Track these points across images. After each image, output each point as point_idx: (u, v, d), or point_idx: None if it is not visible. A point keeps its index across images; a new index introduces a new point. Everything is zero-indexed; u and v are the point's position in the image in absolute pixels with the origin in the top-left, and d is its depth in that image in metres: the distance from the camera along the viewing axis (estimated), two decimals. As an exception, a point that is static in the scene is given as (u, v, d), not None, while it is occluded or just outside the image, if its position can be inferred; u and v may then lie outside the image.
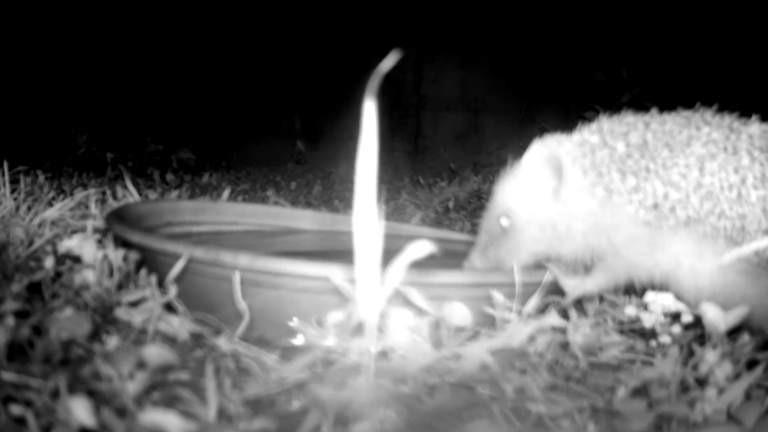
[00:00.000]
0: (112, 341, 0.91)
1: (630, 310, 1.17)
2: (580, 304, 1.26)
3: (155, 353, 0.83)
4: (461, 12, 4.19)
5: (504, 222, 1.22)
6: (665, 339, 1.10)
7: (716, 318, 0.98)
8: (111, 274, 1.22)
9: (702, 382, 0.94)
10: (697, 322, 1.08)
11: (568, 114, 4.08)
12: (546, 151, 1.19)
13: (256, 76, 4.33)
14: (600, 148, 1.16)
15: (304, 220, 1.80)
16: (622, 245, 1.15)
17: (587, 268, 1.22)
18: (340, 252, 1.33)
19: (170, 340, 1.05)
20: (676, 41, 3.84)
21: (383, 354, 0.99)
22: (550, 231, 1.19)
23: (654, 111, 1.21)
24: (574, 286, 1.20)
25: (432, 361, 0.97)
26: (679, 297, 1.14)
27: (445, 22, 4.24)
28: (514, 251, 1.22)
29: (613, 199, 1.13)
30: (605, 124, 1.20)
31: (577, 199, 1.16)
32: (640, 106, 4.02)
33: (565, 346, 1.08)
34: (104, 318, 1.11)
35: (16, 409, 0.71)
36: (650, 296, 1.15)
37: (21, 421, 0.71)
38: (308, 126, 4.42)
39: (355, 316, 0.94)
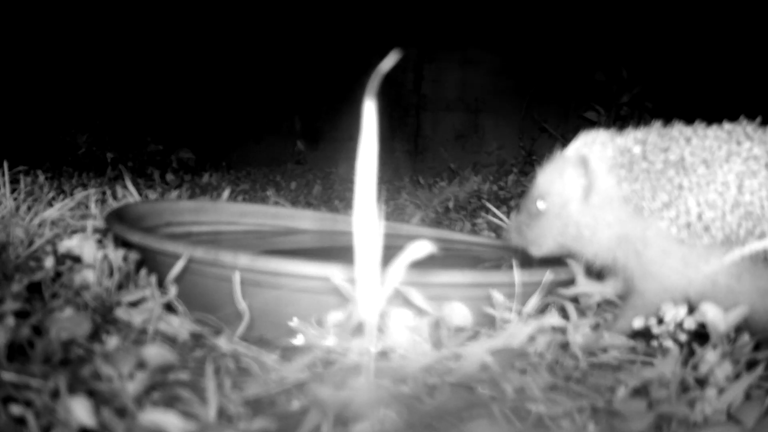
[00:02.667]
0: (112, 341, 0.91)
1: (638, 323, 1.13)
2: (579, 303, 1.26)
3: (155, 353, 0.83)
4: (461, 12, 4.19)
5: (540, 205, 1.21)
6: (667, 343, 1.10)
7: (716, 318, 0.98)
8: (111, 274, 1.22)
9: (702, 382, 0.94)
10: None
11: (568, 114, 4.08)
12: (583, 152, 1.18)
13: (256, 76, 4.33)
14: (639, 161, 1.13)
15: (304, 220, 1.80)
16: (652, 261, 1.12)
17: (605, 271, 1.21)
18: (340, 252, 1.33)
19: (170, 340, 1.05)
20: (676, 41, 3.84)
21: (383, 354, 0.99)
22: (574, 229, 1.18)
23: (698, 125, 1.16)
24: (611, 324, 1.17)
25: (432, 361, 0.97)
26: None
27: (445, 22, 4.24)
28: (543, 236, 1.22)
29: (644, 214, 1.10)
30: (651, 135, 1.17)
31: (606, 206, 1.14)
32: (640, 106, 4.02)
33: (565, 346, 1.08)
34: (104, 318, 1.11)
35: (16, 409, 0.71)
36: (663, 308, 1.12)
37: (21, 421, 0.71)
38: (308, 126, 4.42)
39: (355, 316, 0.94)
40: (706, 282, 1.09)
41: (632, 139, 1.17)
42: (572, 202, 1.18)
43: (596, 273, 1.24)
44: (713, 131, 1.14)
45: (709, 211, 1.06)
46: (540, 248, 1.23)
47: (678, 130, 1.16)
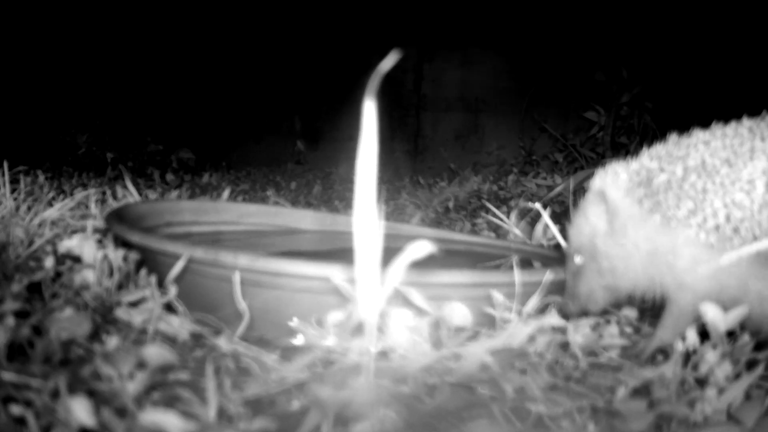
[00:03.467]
0: (112, 341, 0.91)
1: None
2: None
3: (155, 353, 0.83)
4: (461, 12, 4.19)
5: (577, 260, 1.19)
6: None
7: (716, 318, 0.98)
8: (111, 274, 1.22)
9: (702, 382, 0.94)
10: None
11: (568, 114, 4.08)
12: (598, 185, 1.17)
13: (256, 76, 4.33)
14: (657, 174, 1.11)
15: (304, 220, 1.80)
16: (684, 271, 1.09)
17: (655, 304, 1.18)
18: (340, 252, 1.34)
19: (170, 340, 1.05)
20: (676, 41, 3.84)
21: (383, 354, 0.99)
22: (609, 264, 1.15)
23: (715, 127, 1.14)
24: (651, 344, 1.15)
25: (432, 361, 0.97)
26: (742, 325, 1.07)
27: (445, 22, 4.24)
28: (592, 290, 1.18)
29: (671, 225, 1.08)
30: (665, 148, 1.15)
31: (631, 228, 1.12)
32: (640, 106, 4.02)
33: (565, 346, 1.08)
34: (104, 318, 1.11)
35: (16, 409, 0.71)
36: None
37: (21, 421, 0.71)
38: (308, 126, 4.42)
39: (355, 316, 0.94)
40: (739, 287, 1.06)
41: (647, 156, 1.15)
42: (599, 237, 1.16)
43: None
44: (732, 129, 1.11)
45: (737, 211, 1.03)
46: (597, 304, 1.18)
47: (694, 136, 1.13)
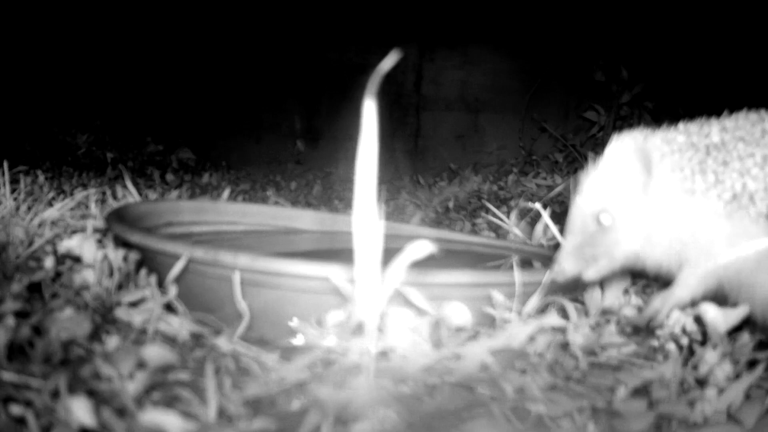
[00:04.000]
0: (112, 341, 0.91)
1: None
2: (581, 303, 1.26)
3: (155, 353, 0.83)
4: (461, 12, 4.19)
5: (605, 219, 1.14)
6: (669, 345, 1.10)
7: (716, 318, 0.98)
8: (111, 274, 1.22)
9: (702, 382, 0.94)
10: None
11: (568, 114, 4.08)
12: (635, 144, 1.15)
13: (256, 76, 4.33)
14: (685, 149, 1.13)
15: (304, 220, 1.80)
16: (706, 242, 1.10)
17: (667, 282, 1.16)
18: (340, 252, 1.33)
19: (170, 340, 1.05)
20: (676, 41, 3.84)
21: (383, 354, 0.99)
22: (642, 228, 1.14)
23: (727, 115, 1.18)
24: (664, 299, 1.14)
25: (432, 361, 0.97)
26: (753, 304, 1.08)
27: (446, 22, 4.24)
28: (610, 250, 1.15)
29: (696, 196, 1.10)
30: (688, 126, 1.17)
31: (664, 195, 1.12)
32: (640, 106, 4.01)
33: (565, 346, 1.08)
34: (104, 318, 1.11)
35: (16, 409, 0.71)
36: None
37: (21, 421, 0.71)
38: (308, 126, 4.42)
39: (355, 316, 0.94)
40: (753, 262, 1.07)
41: (672, 131, 1.17)
42: (635, 199, 1.14)
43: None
44: (744, 117, 1.16)
45: (752, 182, 1.08)
46: (599, 271, 1.15)
47: (709, 122, 1.17)
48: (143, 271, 1.26)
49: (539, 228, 1.81)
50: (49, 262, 1.20)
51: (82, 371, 0.82)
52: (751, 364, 0.99)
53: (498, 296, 1.14)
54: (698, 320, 1.07)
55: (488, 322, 1.14)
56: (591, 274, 1.15)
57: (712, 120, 1.17)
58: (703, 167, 1.11)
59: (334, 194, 3.27)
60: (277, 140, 4.41)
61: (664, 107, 3.70)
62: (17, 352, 0.86)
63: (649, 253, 1.15)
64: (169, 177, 3.35)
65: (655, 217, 1.13)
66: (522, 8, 4.11)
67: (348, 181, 3.42)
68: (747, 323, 1.07)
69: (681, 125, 1.18)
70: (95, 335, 0.99)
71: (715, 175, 1.09)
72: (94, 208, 1.84)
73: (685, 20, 3.83)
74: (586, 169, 1.20)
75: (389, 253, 0.89)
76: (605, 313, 1.25)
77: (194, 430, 0.72)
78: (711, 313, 1.00)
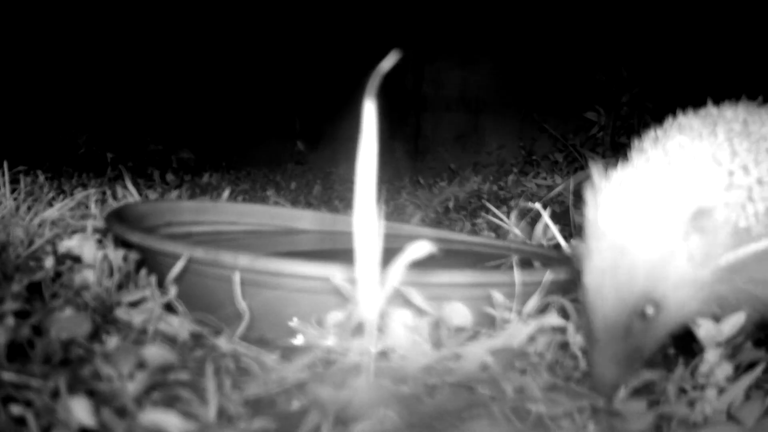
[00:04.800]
0: (112, 341, 0.91)
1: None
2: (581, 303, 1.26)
3: (155, 353, 0.83)
4: (461, 12, 4.19)
5: (650, 311, 0.90)
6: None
7: (710, 331, 0.96)
8: (111, 274, 1.22)
9: (702, 383, 0.94)
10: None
11: (568, 114, 4.08)
12: (698, 205, 0.90)
13: (256, 76, 4.33)
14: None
15: (304, 220, 1.80)
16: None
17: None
18: (340, 252, 1.34)
19: (170, 340, 1.05)
20: (676, 40, 3.84)
21: (383, 354, 0.99)
22: (712, 296, 0.94)
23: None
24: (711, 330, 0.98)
25: (432, 361, 0.97)
26: None
27: (446, 22, 4.24)
28: (660, 340, 0.95)
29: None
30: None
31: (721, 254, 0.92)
32: (640, 106, 4.02)
33: (565, 346, 1.08)
34: (104, 318, 1.11)
35: (16, 409, 0.71)
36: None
37: (21, 421, 0.71)
38: (308, 126, 4.42)
39: (355, 316, 0.94)
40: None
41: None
42: (687, 276, 0.91)
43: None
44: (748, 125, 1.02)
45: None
46: (633, 369, 0.93)
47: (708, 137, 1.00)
48: (143, 271, 1.26)
49: (539, 228, 1.81)
50: (49, 262, 1.20)
51: (82, 371, 0.82)
52: (751, 364, 0.98)
53: (498, 296, 1.13)
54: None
55: (488, 322, 1.14)
56: (627, 376, 0.93)
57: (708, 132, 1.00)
58: (753, 195, 0.94)
59: (335, 194, 3.27)
60: (277, 140, 4.41)
61: (664, 107, 3.70)
62: (17, 352, 0.86)
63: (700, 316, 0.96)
64: (169, 177, 3.35)
65: (715, 275, 0.92)
66: (523, 8, 4.11)
67: (348, 182, 3.42)
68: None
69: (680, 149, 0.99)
70: (95, 335, 0.99)
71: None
72: (94, 208, 1.84)
73: (684, 20, 3.83)
74: (595, 238, 0.92)
75: (389, 253, 0.89)
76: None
77: (194, 430, 0.72)
78: (704, 329, 0.96)
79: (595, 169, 0.97)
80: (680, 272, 0.90)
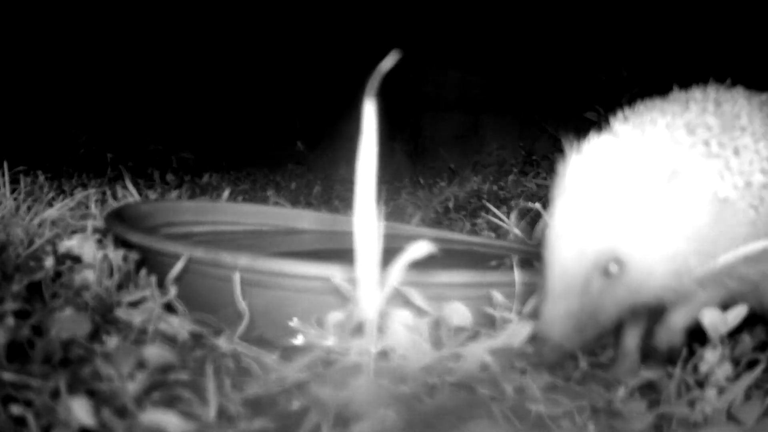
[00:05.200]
0: (112, 341, 0.91)
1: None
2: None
3: (155, 353, 0.83)
4: (461, 12, 4.19)
5: (613, 268, 0.84)
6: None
7: (715, 321, 0.97)
8: (111, 274, 1.22)
9: (702, 383, 0.94)
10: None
11: (568, 114, 4.09)
12: (652, 143, 0.88)
13: (256, 76, 4.33)
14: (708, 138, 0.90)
15: (304, 220, 1.80)
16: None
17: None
18: (340, 252, 1.34)
19: (170, 340, 1.05)
20: (676, 40, 3.84)
21: (383, 354, 0.99)
22: (668, 266, 0.85)
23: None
24: (681, 316, 0.97)
25: (432, 361, 0.97)
26: None
27: (445, 22, 4.24)
28: (614, 307, 0.87)
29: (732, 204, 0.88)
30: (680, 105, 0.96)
31: (698, 211, 0.86)
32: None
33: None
34: (104, 318, 1.11)
35: (16, 409, 0.71)
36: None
37: (21, 421, 0.71)
38: (308, 126, 4.42)
39: (355, 316, 0.94)
40: None
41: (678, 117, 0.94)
42: (658, 228, 0.84)
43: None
44: (719, 102, 0.99)
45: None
46: (590, 334, 0.87)
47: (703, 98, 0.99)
48: (143, 271, 1.26)
49: (539, 228, 1.81)
50: (49, 262, 1.20)
51: (82, 371, 0.82)
52: (751, 364, 0.99)
53: (498, 296, 1.13)
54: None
55: (488, 322, 1.14)
56: (579, 339, 0.87)
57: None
58: (730, 165, 0.89)
59: (335, 194, 3.27)
60: (277, 140, 4.41)
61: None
62: (17, 352, 0.86)
63: (669, 290, 0.89)
64: (169, 177, 3.35)
65: (689, 245, 0.85)
66: (523, 8, 4.11)
67: (348, 182, 3.41)
68: (747, 323, 1.07)
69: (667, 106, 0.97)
70: (95, 335, 0.98)
71: (742, 175, 0.89)
72: (94, 208, 1.84)
73: (685, 20, 3.83)
74: (564, 191, 0.88)
75: (389, 253, 0.89)
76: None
77: (194, 430, 0.72)
78: (709, 317, 0.97)
79: (566, 141, 0.92)
80: (653, 234, 0.83)
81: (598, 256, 0.84)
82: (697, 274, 0.88)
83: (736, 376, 0.93)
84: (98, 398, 0.76)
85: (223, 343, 1.01)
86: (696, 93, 1.01)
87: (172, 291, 1.08)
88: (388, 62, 0.84)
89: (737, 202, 0.87)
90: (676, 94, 1.04)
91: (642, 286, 0.86)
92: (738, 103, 0.97)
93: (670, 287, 0.88)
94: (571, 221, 0.85)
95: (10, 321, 0.86)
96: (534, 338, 0.89)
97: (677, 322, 0.99)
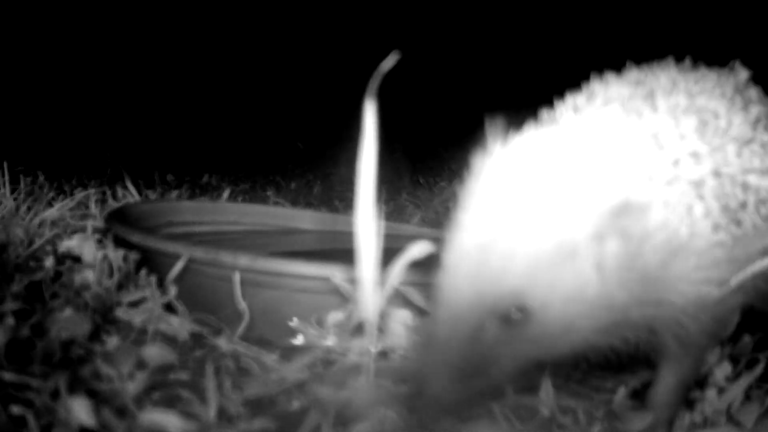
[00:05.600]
0: (112, 341, 0.91)
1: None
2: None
3: (155, 353, 0.83)
4: (461, 12, 4.20)
5: (516, 316, 0.67)
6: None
7: None
8: (111, 274, 1.22)
9: (702, 383, 0.94)
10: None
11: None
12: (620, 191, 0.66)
13: (256, 76, 4.34)
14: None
15: (304, 220, 1.80)
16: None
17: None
18: (340, 252, 1.33)
19: (170, 340, 1.05)
20: (675, 39, 3.84)
21: (383, 354, 0.99)
22: (606, 314, 0.68)
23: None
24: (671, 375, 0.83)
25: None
26: None
27: (445, 22, 4.24)
28: (522, 359, 0.72)
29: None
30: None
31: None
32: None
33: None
34: (104, 318, 1.11)
35: (16, 409, 0.72)
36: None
37: (21, 421, 0.71)
38: (308, 126, 4.42)
39: (355, 316, 0.94)
40: None
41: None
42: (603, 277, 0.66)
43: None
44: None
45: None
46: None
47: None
48: (143, 271, 1.26)
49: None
50: (49, 262, 1.20)
51: (82, 371, 0.82)
52: (751, 364, 0.99)
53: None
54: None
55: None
56: (460, 394, 0.70)
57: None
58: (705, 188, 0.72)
59: (335, 194, 3.26)
60: (278, 140, 4.41)
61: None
62: (17, 352, 0.86)
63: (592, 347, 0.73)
64: (169, 177, 3.35)
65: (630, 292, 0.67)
66: (522, 9, 4.11)
67: (348, 182, 3.41)
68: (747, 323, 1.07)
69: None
70: (95, 335, 0.99)
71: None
72: (94, 208, 1.84)
73: (684, 20, 3.83)
74: (470, 203, 0.70)
75: (389, 253, 0.89)
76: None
77: (194, 430, 0.72)
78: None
79: (492, 129, 0.72)
80: (578, 282, 0.65)
81: (499, 300, 0.66)
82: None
83: (736, 376, 0.93)
84: (98, 398, 0.76)
85: (223, 343, 1.01)
86: (661, 77, 0.88)
87: (172, 291, 1.08)
88: (389, 63, 0.84)
89: (703, 238, 0.71)
90: (636, 76, 0.90)
91: (553, 342, 0.69)
92: (714, 96, 0.83)
93: (593, 343, 0.71)
94: (471, 248, 0.67)
95: (10, 321, 0.86)
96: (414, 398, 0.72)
97: (669, 381, 0.85)
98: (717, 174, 0.73)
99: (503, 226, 0.65)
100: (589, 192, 0.65)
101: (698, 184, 0.71)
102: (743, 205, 0.74)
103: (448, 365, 0.67)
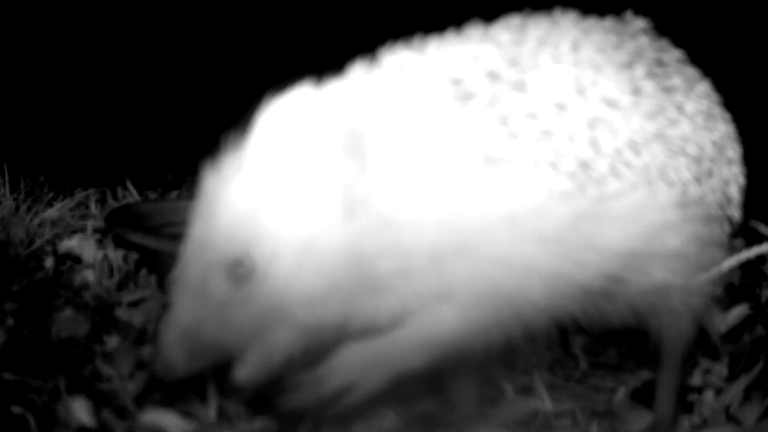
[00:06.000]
0: (112, 341, 0.91)
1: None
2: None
3: (155, 353, 0.82)
4: (461, 12, 4.20)
5: (240, 270, 0.59)
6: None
7: (715, 319, 0.97)
8: (111, 274, 1.22)
9: (700, 385, 0.94)
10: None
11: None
12: (340, 121, 0.61)
13: (257, 76, 4.33)
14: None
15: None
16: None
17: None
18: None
19: (170, 340, 1.05)
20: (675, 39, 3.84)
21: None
22: (354, 271, 0.59)
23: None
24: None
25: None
26: None
27: (444, 22, 4.24)
28: (255, 323, 0.61)
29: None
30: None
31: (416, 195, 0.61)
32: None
33: (565, 345, 1.08)
34: (104, 318, 1.11)
35: (16, 409, 0.72)
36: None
37: (21, 421, 0.71)
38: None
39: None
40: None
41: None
42: (333, 224, 0.59)
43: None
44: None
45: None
46: (261, 363, 0.62)
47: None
48: (143, 271, 1.26)
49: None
50: (49, 262, 1.20)
51: (82, 371, 0.82)
52: (750, 364, 0.99)
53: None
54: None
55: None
56: (246, 372, 0.63)
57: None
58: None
59: (334, 194, 3.26)
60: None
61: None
62: (17, 352, 0.86)
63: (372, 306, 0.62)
64: (169, 177, 3.34)
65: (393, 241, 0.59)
66: (522, 8, 4.11)
67: (348, 181, 3.41)
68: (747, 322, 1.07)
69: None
70: (95, 335, 0.99)
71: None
72: (94, 208, 1.84)
73: (684, 20, 3.83)
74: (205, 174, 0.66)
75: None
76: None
77: (194, 430, 0.72)
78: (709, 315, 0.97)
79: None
80: (314, 230, 0.58)
81: (221, 253, 0.59)
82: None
83: (735, 376, 0.94)
84: (98, 398, 0.76)
85: (223, 343, 1.01)
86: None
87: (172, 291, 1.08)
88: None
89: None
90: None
91: (287, 298, 0.59)
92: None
93: (331, 305, 0.60)
94: (211, 197, 0.64)
95: (10, 321, 0.86)
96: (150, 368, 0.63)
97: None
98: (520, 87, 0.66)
99: (247, 171, 0.65)
100: (329, 122, 0.63)
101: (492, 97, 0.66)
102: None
103: (181, 329, 0.60)
